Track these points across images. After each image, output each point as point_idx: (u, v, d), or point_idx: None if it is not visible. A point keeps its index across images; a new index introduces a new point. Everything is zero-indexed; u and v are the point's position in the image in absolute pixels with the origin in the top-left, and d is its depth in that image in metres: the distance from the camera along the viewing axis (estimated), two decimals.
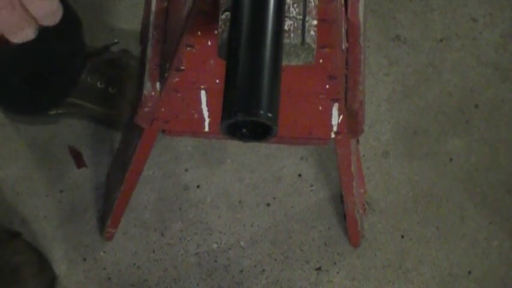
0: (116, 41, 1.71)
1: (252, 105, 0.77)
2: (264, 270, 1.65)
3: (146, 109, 1.19)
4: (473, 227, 1.70)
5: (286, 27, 0.89)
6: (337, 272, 1.66)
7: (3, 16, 0.76)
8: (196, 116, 1.19)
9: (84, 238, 1.65)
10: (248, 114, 0.76)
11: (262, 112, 0.77)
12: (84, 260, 1.63)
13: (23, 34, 0.78)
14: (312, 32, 0.91)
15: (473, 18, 1.88)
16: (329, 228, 1.68)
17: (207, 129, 1.21)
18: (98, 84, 1.65)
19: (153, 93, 1.17)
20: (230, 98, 0.78)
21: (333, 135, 1.22)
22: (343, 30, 1.12)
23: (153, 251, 1.65)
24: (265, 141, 0.81)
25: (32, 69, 1.59)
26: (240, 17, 0.81)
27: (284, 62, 0.82)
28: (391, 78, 1.82)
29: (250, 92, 0.78)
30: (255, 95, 0.78)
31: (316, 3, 0.92)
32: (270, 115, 0.77)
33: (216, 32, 0.91)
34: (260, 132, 0.80)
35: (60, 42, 1.54)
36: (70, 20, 1.56)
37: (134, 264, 1.64)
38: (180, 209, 1.68)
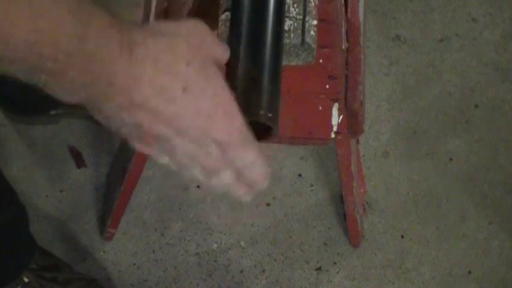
0: None
1: (252, 106, 0.77)
2: (264, 270, 1.65)
3: None
4: (473, 227, 1.70)
5: (286, 27, 0.89)
6: (337, 272, 1.66)
7: (225, 180, 0.75)
8: None
9: (84, 238, 1.65)
10: (248, 114, 0.76)
11: (262, 112, 0.77)
12: (84, 260, 1.63)
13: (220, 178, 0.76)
14: (312, 32, 0.91)
15: (473, 18, 1.88)
16: (329, 228, 1.68)
17: None
18: None
19: None
20: None
21: (333, 135, 1.22)
22: (343, 30, 1.12)
23: (153, 251, 1.65)
24: (265, 141, 0.82)
25: None
26: (240, 17, 0.81)
27: (284, 62, 0.82)
28: (391, 78, 1.82)
29: (250, 92, 0.78)
30: (255, 95, 0.78)
31: (316, 3, 0.92)
32: (270, 115, 0.77)
33: (216, 32, 0.91)
34: (261, 132, 0.80)
35: None
36: None
37: (134, 264, 1.64)
38: (180, 209, 1.68)
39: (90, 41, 0.64)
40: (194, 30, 0.72)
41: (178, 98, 0.70)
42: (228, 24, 0.88)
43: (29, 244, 1.50)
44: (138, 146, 0.75)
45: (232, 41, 0.81)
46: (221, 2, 0.90)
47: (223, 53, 0.74)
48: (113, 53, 0.66)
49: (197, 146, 0.73)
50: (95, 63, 0.65)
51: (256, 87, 0.78)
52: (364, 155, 1.74)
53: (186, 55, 0.70)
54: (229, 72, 0.79)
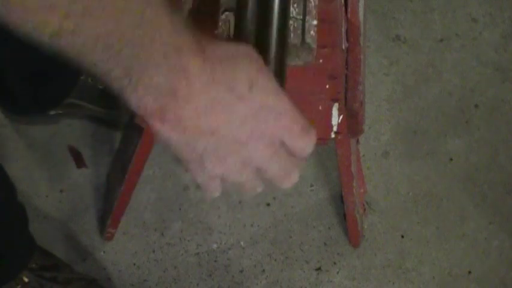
0: None
1: None
2: (264, 270, 1.65)
3: None
4: (473, 227, 1.70)
5: None
6: (337, 272, 1.66)
7: (275, 167, 0.74)
8: None
9: (84, 238, 1.65)
10: None
11: None
12: (84, 260, 1.63)
13: (291, 179, 0.76)
14: (312, 32, 0.91)
15: (473, 18, 1.88)
16: (329, 228, 1.68)
17: None
18: (98, 85, 1.65)
19: None
20: None
21: (333, 135, 1.22)
22: (343, 30, 1.12)
23: (153, 251, 1.65)
24: None
25: (31, 69, 1.59)
26: (244, 17, 0.81)
27: None
28: (391, 78, 1.82)
29: None
30: None
31: (316, 3, 0.92)
32: None
33: (216, 32, 0.91)
34: None
35: None
36: None
37: (134, 264, 1.64)
38: (180, 209, 1.68)
39: (178, 29, 0.65)
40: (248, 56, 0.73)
41: (247, 123, 0.71)
42: (228, 24, 0.88)
43: (28, 243, 1.51)
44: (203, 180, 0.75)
45: (237, 40, 0.81)
46: (221, 2, 0.90)
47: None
48: (192, 48, 0.67)
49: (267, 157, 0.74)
50: (180, 51, 0.66)
51: None
52: (364, 155, 1.74)
53: (249, 76, 0.71)
54: None
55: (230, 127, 0.70)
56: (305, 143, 0.75)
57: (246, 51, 0.72)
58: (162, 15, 0.65)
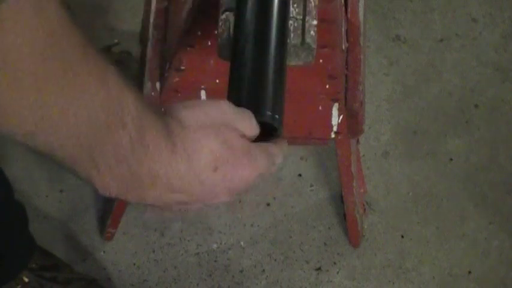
0: (116, 41, 1.71)
1: (258, 105, 0.77)
2: (264, 270, 1.65)
3: None
4: (473, 227, 1.70)
5: None
6: (337, 272, 1.66)
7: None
8: None
9: (84, 238, 1.65)
10: (254, 114, 0.76)
11: (269, 113, 0.77)
12: (84, 260, 1.63)
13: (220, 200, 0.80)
14: (312, 32, 0.91)
15: (473, 18, 1.88)
16: (329, 228, 1.68)
17: None
18: None
19: (153, 93, 1.17)
20: (234, 98, 0.78)
21: (333, 135, 1.22)
22: (343, 30, 1.12)
23: (153, 251, 1.65)
24: (267, 142, 0.81)
25: None
26: (244, 17, 0.81)
27: None
28: (391, 78, 1.82)
29: (256, 92, 0.78)
30: (261, 94, 0.78)
31: (316, 3, 0.92)
32: (276, 116, 0.77)
33: (216, 32, 0.91)
34: (264, 132, 0.80)
35: None
36: None
37: (134, 264, 1.64)
38: (180, 209, 1.68)
39: (146, 123, 0.68)
40: (221, 115, 0.75)
41: (210, 178, 0.75)
42: (228, 24, 0.88)
43: (28, 243, 1.51)
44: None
45: (237, 41, 0.81)
46: (221, 2, 0.90)
47: (251, 130, 0.77)
48: (160, 142, 0.70)
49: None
50: (146, 154, 0.70)
51: (261, 87, 0.78)
52: (364, 155, 1.74)
53: (212, 139, 0.74)
54: (234, 72, 0.79)
55: (195, 198, 0.78)
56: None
57: (215, 122, 0.75)
58: (128, 106, 0.67)
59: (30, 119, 0.61)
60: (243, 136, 0.76)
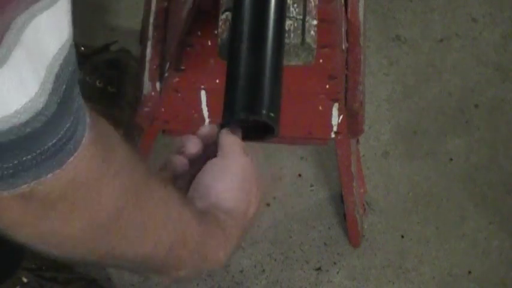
0: (115, 40, 1.71)
1: (254, 104, 0.77)
2: (264, 270, 1.65)
3: (146, 109, 1.19)
4: (473, 227, 1.70)
5: (286, 27, 0.89)
6: (337, 272, 1.66)
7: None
8: (196, 116, 1.19)
9: None
10: (250, 113, 0.76)
11: (264, 112, 0.77)
12: None
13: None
14: (312, 32, 0.91)
15: (473, 18, 1.88)
16: (329, 228, 1.68)
17: None
18: (97, 84, 1.65)
19: (153, 93, 1.17)
20: (232, 97, 0.78)
21: (333, 135, 1.23)
22: (343, 30, 1.12)
23: None
24: (265, 141, 0.81)
25: None
26: (241, 16, 0.80)
27: (284, 62, 0.82)
28: (391, 78, 1.82)
29: (252, 91, 0.78)
30: (257, 94, 0.78)
31: (316, 3, 0.92)
32: (272, 115, 0.77)
33: (216, 32, 0.91)
34: (261, 132, 0.80)
35: None
36: None
37: None
38: None
39: (206, 238, 0.74)
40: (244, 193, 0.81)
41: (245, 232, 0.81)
42: (228, 24, 0.88)
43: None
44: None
45: (234, 40, 0.81)
46: (221, 2, 0.90)
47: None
48: (219, 250, 0.76)
49: None
50: (206, 258, 0.75)
51: (258, 86, 0.78)
52: (364, 155, 1.74)
53: (248, 222, 0.80)
54: (231, 71, 0.79)
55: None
56: None
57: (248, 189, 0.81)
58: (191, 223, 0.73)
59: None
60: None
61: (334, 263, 1.66)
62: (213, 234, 0.75)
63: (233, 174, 0.79)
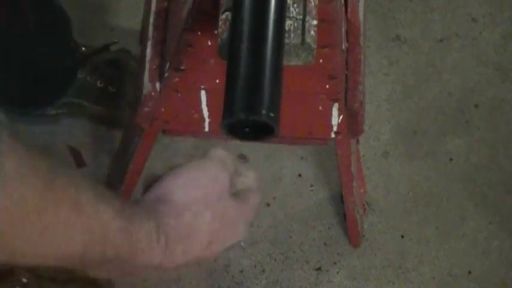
0: (115, 40, 1.71)
1: (254, 104, 0.77)
2: (264, 270, 1.65)
3: (146, 109, 1.19)
4: (473, 227, 1.70)
5: (286, 27, 0.89)
6: (337, 272, 1.66)
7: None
8: (196, 116, 1.19)
9: None
10: (250, 113, 0.76)
11: (264, 112, 0.77)
12: None
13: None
14: (312, 32, 0.91)
15: (473, 18, 1.88)
16: (329, 228, 1.68)
17: (207, 129, 1.21)
18: (98, 84, 1.65)
19: (153, 93, 1.17)
20: (232, 97, 0.78)
21: (333, 135, 1.22)
22: (343, 30, 1.12)
23: None
24: (265, 141, 0.81)
25: (21, 65, 1.59)
26: (241, 16, 0.80)
27: (284, 62, 0.82)
28: (391, 78, 1.82)
29: (252, 91, 0.78)
30: (257, 94, 0.77)
31: (316, 3, 0.92)
32: (272, 115, 0.77)
33: (216, 32, 0.91)
34: (261, 132, 0.80)
35: (47, 38, 1.54)
36: (57, 17, 1.56)
37: None
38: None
39: (134, 235, 0.74)
40: (207, 189, 0.82)
41: (203, 252, 0.81)
42: (228, 24, 0.88)
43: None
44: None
45: (234, 40, 0.81)
46: (221, 2, 0.90)
47: (252, 182, 0.86)
48: (151, 242, 0.76)
49: None
50: (137, 252, 0.75)
51: (258, 86, 0.78)
52: (364, 155, 1.74)
53: (208, 221, 0.80)
54: (231, 71, 0.79)
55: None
56: None
57: (209, 194, 0.81)
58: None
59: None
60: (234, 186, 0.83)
61: (334, 263, 1.66)
62: (141, 226, 0.75)
63: (191, 170, 0.81)
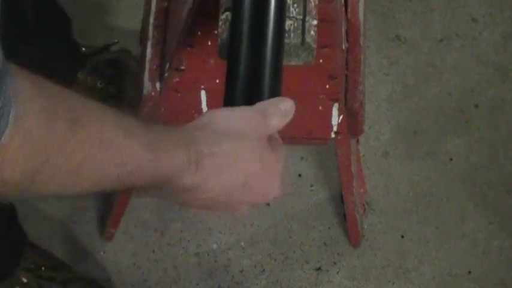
0: (115, 40, 1.71)
1: (253, 104, 0.77)
2: (264, 270, 1.65)
3: (146, 109, 1.19)
4: (473, 227, 1.70)
5: (286, 27, 0.89)
6: (337, 272, 1.66)
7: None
8: (196, 116, 1.19)
9: (84, 238, 1.65)
10: None
11: None
12: (84, 260, 1.63)
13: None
14: (312, 32, 0.91)
15: (473, 18, 1.88)
16: (329, 228, 1.68)
17: None
18: (98, 84, 1.65)
19: (153, 93, 1.17)
20: (232, 97, 0.78)
21: (333, 135, 1.23)
22: (343, 30, 1.12)
23: (153, 251, 1.65)
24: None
25: (21, 65, 1.58)
26: (241, 16, 0.81)
27: (284, 62, 0.82)
28: (391, 78, 1.82)
29: (252, 91, 0.78)
30: (257, 94, 0.78)
31: (316, 3, 0.92)
32: None
33: (216, 32, 0.91)
34: None
35: (47, 38, 1.54)
36: (57, 17, 1.56)
37: (134, 264, 1.64)
38: (180, 209, 1.68)
39: (163, 163, 0.74)
40: (250, 124, 0.78)
41: (237, 191, 0.79)
42: (228, 24, 0.88)
43: (19, 238, 1.50)
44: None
45: (234, 40, 0.81)
46: (221, 2, 0.90)
47: (278, 125, 0.80)
48: (182, 169, 0.75)
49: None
50: (169, 178, 0.75)
51: (257, 86, 0.78)
52: (364, 155, 1.74)
53: (247, 155, 0.78)
54: (231, 71, 0.79)
55: (220, 207, 0.82)
56: None
57: (247, 126, 0.78)
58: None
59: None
60: (276, 140, 0.80)
61: (334, 263, 1.66)
62: (170, 154, 0.74)
63: (235, 109, 0.79)
